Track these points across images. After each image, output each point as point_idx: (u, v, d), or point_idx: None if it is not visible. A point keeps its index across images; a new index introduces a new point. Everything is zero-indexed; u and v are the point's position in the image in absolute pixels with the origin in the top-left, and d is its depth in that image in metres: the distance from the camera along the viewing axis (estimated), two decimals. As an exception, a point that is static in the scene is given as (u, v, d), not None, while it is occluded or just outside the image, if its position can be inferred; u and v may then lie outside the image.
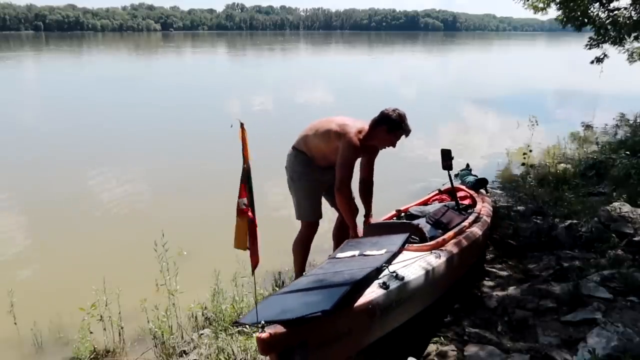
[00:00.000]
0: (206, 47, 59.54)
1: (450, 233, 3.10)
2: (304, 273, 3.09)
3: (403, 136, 3.24)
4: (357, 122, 3.21)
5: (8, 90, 18.07)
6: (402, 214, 3.67)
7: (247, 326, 2.79)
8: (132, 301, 3.33)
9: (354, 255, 2.61)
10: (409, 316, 2.56)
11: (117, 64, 33.61)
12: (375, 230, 3.10)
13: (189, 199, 6.40)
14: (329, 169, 3.28)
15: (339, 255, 2.68)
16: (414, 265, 2.58)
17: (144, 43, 73.58)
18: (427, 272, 2.60)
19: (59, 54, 42.75)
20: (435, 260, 2.73)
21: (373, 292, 2.24)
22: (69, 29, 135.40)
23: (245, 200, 1.96)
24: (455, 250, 2.95)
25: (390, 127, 3.16)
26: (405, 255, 2.65)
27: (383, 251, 2.55)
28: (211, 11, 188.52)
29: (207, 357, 2.72)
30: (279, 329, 1.84)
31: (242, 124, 1.85)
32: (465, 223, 3.30)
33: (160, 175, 7.58)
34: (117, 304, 3.21)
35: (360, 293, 2.20)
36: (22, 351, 3.36)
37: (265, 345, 1.81)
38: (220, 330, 2.93)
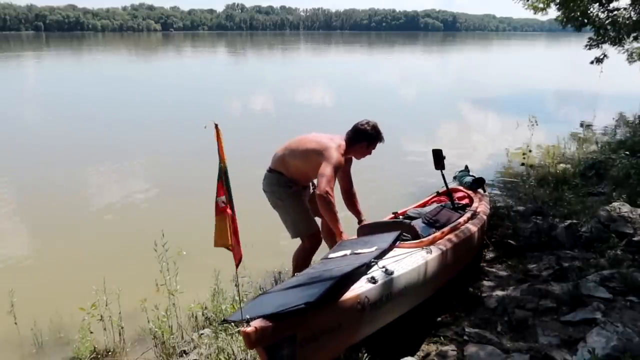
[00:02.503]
0: (207, 47, 59.50)
1: (444, 230, 3.10)
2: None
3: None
4: (335, 138, 3.27)
5: (7, 89, 18.07)
6: (400, 217, 3.65)
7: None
8: (132, 301, 3.34)
9: (345, 255, 2.61)
10: (401, 312, 2.56)
11: (117, 64, 33.62)
12: (368, 230, 3.09)
13: (189, 198, 6.40)
14: (308, 187, 3.43)
15: (331, 255, 2.68)
16: (405, 260, 2.58)
17: (144, 43, 73.60)
18: (417, 267, 2.60)
19: (59, 54, 42.73)
20: (426, 255, 2.73)
21: (362, 287, 2.24)
22: (69, 29, 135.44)
23: (223, 198, 1.99)
24: (448, 246, 2.94)
25: (369, 142, 3.32)
26: (396, 251, 2.65)
27: (374, 248, 2.54)
28: (211, 11, 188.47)
29: (207, 357, 2.72)
30: (266, 323, 1.83)
31: (216, 125, 1.90)
32: (460, 220, 3.30)
33: (160, 174, 7.58)
34: (117, 304, 3.21)
35: (348, 287, 2.20)
36: (22, 351, 3.36)
37: (250, 339, 1.79)
38: (220, 330, 2.93)
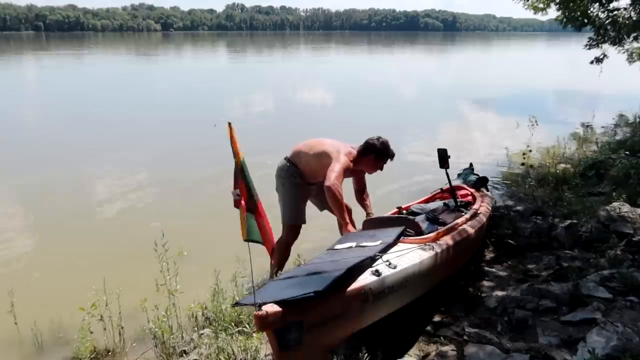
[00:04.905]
0: (207, 47, 59.49)
1: (446, 228, 3.16)
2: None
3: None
4: (348, 146, 3.56)
5: (8, 89, 18.07)
6: (404, 212, 3.73)
7: (247, 326, 2.84)
8: (132, 301, 3.33)
9: (351, 247, 2.72)
10: (401, 304, 2.64)
11: (117, 64, 33.60)
12: (373, 224, 3.21)
13: (190, 198, 6.41)
14: (315, 183, 3.62)
15: (337, 246, 2.79)
16: (407, 255, 2.66)
17: (145, 43, 73.58)
18: (419, 262, 2.67)
19: (60, 54, 42.71)
20: (428, 251, 2.81)
21: (366, 279, 2.34)
22: (69, 29, 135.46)
23: (237, 191, 2.07)
24: (449, 243, 3.01)
25: (377, 156, 3.53)
26: (399, 246, 2.75)
27: (378, 242, 2.66)
28: (211, 11, 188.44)
29: (207, 357, 2.72)
30: (276, 308, 1.95)
31: (229, 123, 1.98)
32: (462, 219, 3.36)
33: (161, 174, 7.58)
34: (117, 304, 3.21)
35: (354, 278, 2.30)
36: (22, 351, 3.36)
37: (261, 322, 1.92)
38: (220, 330, 2.92)
